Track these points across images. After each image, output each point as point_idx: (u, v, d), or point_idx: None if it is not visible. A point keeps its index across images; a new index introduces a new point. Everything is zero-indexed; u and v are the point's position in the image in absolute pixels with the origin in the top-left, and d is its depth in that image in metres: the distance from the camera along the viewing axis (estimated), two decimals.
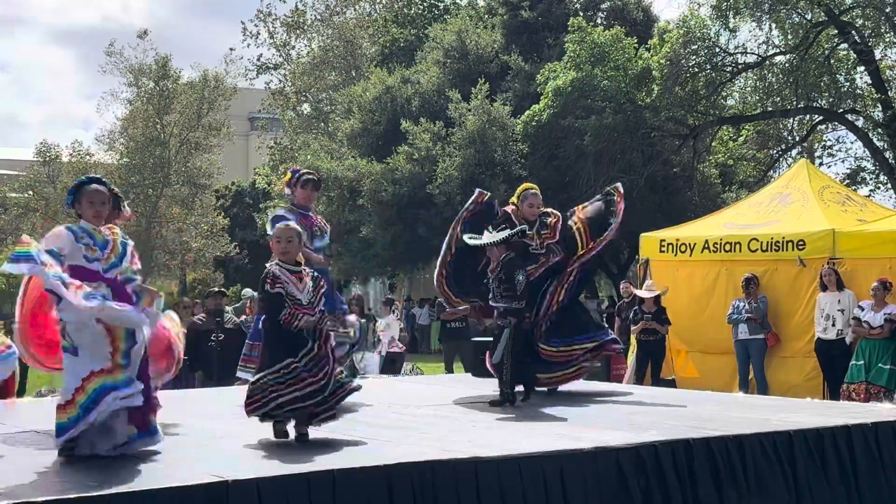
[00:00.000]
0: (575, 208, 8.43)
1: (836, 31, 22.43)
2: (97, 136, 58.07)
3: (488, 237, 7.21)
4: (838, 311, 12.03)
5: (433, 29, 30.85)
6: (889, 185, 25.51)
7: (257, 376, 5.38)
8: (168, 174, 36.22)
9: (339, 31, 41.07)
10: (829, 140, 30.13)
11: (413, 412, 6.85)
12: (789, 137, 28.48)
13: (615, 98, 22.94)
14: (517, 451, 4.98)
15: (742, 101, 25.61)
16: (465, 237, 7.47)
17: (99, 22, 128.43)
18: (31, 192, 36.50)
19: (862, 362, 11.33)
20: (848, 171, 29.35)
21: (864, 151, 26.23)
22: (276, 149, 40.82)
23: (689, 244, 13.91)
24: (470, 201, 8.05)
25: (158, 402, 5.16)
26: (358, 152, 27.75)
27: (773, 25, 23.24)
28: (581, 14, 26.60)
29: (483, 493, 4.67)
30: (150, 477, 4.36)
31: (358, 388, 5.56)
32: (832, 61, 23.00)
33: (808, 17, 22.66)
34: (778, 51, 23.57)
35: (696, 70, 23.08)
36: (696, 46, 22.72)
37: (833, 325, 12.07)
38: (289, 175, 7.42)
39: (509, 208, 8.06)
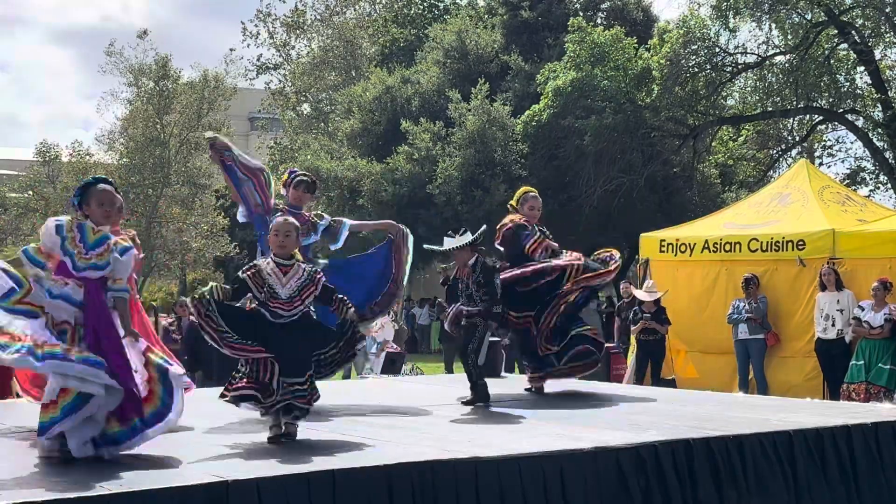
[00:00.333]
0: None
1: (836, 31, 22.44)
2: (97, 136, 58.18)
3: (452, 241, 7.11)
4: (837, 311, 12.04)
5: (433, 29, 30.86)
6: (889, 185, 25.52)
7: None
8: (168, 174, 36.21)
9: (338, 31, 41.08)
10: (829, 140, 30.16)
11: (413, 412, 6.85)
12: (789, 137, 28.48)
13: (615, 98, 22.94)
14: (517, 451, 4.97)
15: (742, 101, 25.62)
16: (425, 246, 7.59)
17: (99, 22, 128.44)
18: (30, 192, 36.49)
19: (862, 362, 11.34)
20: (848, 171, 29.37)
21: (864, 151, 26.24)
22: (276, 149, 40.82)
23: (689, 244, 13.91)
24: None
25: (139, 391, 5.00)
26: (358, 152, 27.75)
27: (773, 25, 23.25)
28: (581, 14, 26.60)
29: (483, 493, 4.67)
30: (150, 477, 4.36)
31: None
32: (832, 61, 23.00)
33: (808, 17, 22.67)
34: (778, 51, 23.58)
35: (696, 70, 23.08)
36: (696, 46, 22.73)
37: (833, 325, 12.07)
38: (286, 176, 7.52)
39: (514, 217, 8.03)
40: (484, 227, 7.47)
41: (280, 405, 5.30)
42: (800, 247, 12.79)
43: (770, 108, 23.53)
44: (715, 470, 5.38)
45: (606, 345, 16.23)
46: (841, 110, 23.67)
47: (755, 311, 12.79)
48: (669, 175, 24.43)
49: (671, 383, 13.28)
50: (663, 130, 23.88)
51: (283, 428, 5.44)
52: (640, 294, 13.72)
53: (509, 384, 8.44)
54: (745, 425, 5.95)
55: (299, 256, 5.71)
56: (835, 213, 13.43)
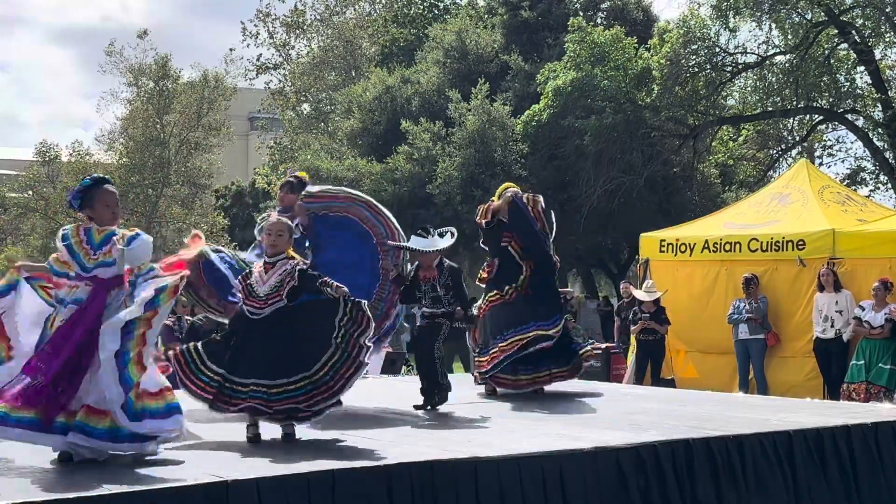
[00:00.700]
0: None
1: (836, 31, 22.41)
2: (97, 136, 58.14)
3: (427, 242, 6.92)
4: (836, 311, 12.04)
5: (433, 29, 30.82)
6: (889, 185, 25.50)
7: None
8: (168, 174, 36.20)
9: (338, 31, 41.06)
10: (829, 140, 30.11)
11: (413, 412, 6.85)
12: (789, 137, 28.45)
13: (615, 98, 22.92)
14: (517, 451, 4.98)
15: (742, 101, 25.58)
16: (390, 243, 7.20)
17: (98, 22, 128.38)
18: (30, 192, 36.49)
19: (862, 362, 11.34)
20: (848, 171, 29.34)
21: (864, 151, 26.22)
22: (276, 149, 40.80)
23: (689, 244, 13.91)
24: None
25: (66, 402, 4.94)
26: (358, 152, 27.72)
27: (773, 25, 23.22)
28: (581, 14, 26.58)
29: (483, 493, 4.67)
30: (149, 477, 4.36)
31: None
32: (832, 61, 22.98)
33: (808, 17, 22.64)
34: (778, 51, 23.55)
35: (696, 70, 23.06)
36: (696, 46, 22.70)
37: (831, 325, 12.08)
38: (282, 180, 7.59)
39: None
40: (453, 228, 7.23)
41: (244, 406, 5.31)
42: (800, 247, 12.78)
43: (770, 108, 23.50)
44: (715, 470, 5.38)
45: (606, 345, 16.34)
46: (841, 110, 23.65)
47: (755, 311, 12.79)
48: (669, 175, 24.40)
49: (671, 383, 13.29)
50: (663, 130, 23.86)
51: (281, 430, 5.45)
52: (640, 294, 13.73)
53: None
54: (745, 425, 5.95)
55: (291, 254, 5.70)
56: (835, 213, 13.43)
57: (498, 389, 7.92)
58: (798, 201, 13.76)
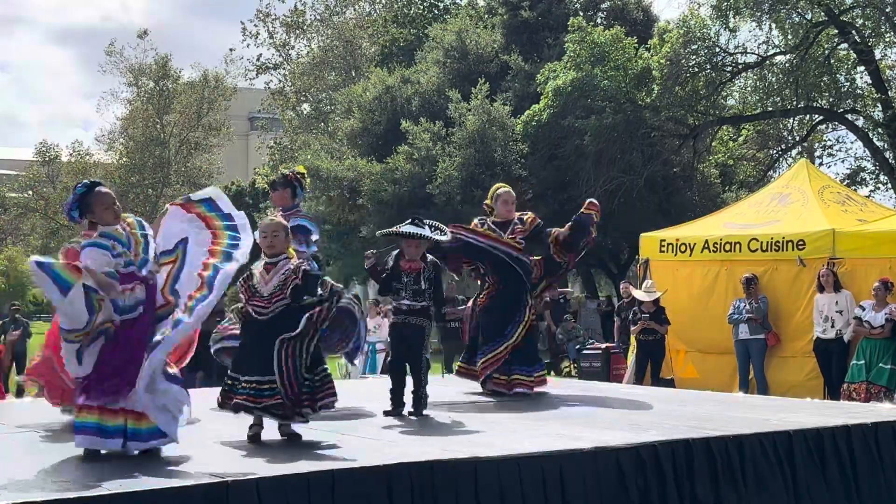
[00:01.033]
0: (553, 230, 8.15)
1: (836, 31, 22.42)
2: (97, 136, 58.20)
3: (424, 231, 6.66)
4: (836, 312, 12.04)
5: (433, 29, 30.84)
6: (889, 185, 25.52)
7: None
8: (168, 174, 36.29)
9: (338, 31, 41.10)
10: (829, 140, 30.14)
11: (412, 412, 6.85)
12: (789, 137, 28.46)
13: (615, 98, 22.93)
14: (517, 451, 4.97)
15: (742, 101, 25.60)
16: (379, 233, 7.02)
17: (98, 21, 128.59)
18: (30, 192, 36.55)
19: (862, 362, 11.34)
20: (848, 171, 29.37)
21: (864, 151, 26.24)
22: (276, 149, 40.84)
23: (689, 244, 13.91)
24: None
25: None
26: (358, 152, 27.74)
27: (773, 25, 23.23)
28: (581, 14, 26.59)
29: (482, 493, 4.67)
30: (149, 477, 4.36)
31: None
32: (832, 61, 22.99)
33: (808, 17, 22.66)
34: (778, 51, 23.57)
35: (696, 70, 23.07)
36: (696, 46, 22.71)
37: (832, 326, 12.08)
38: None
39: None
40: (446, 229, 7.08)
41: (243, 405, 5.33)
42: (800, 247, 12.78)
43: (770, 108, 23.52)
44: (714, 470, 5.38)
45: (606, 345, 16.34)
46: (841, 110, 23.66)
47: (756, 312, 12.79)
48: (669, 175, 24.42)
49: (671, 383, 13.29)
50: (663, 130, 23.87)
51: (279, 430, 5.45)
52: (639, 294, 13.74)
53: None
54: (744, 425, 5.94)
55: (292, 254, 5.69)
56: (835, 213, 13.43)
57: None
58: (798, 201, 13.76)
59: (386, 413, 6.58)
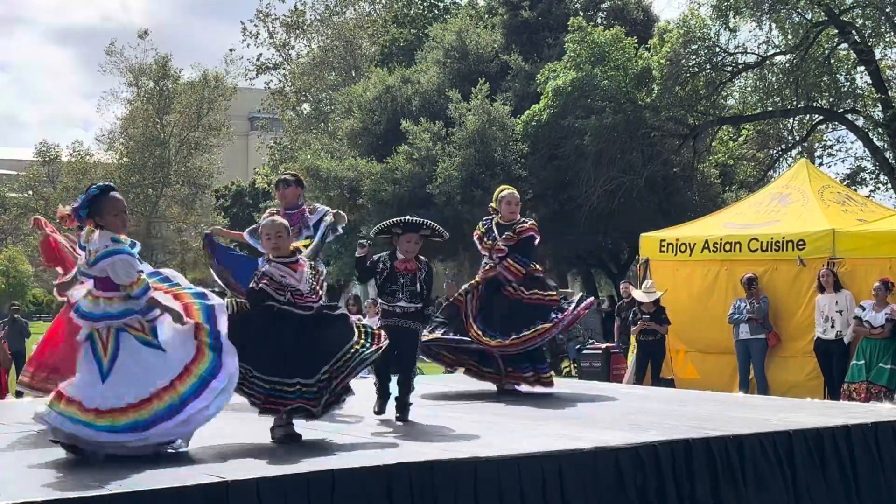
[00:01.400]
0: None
1: (836, 31, 22.41)
2: (97, 136, 58.23)
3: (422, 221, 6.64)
4: (836, 312, 12.05)
5: (433, 29, 30.83)
6: (889, 185, 25.51)
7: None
8: (168, 174, 36.32)
9: (338, 32, 41.09)
10: (829, 140, 30.13)
11: (413, 412, 6.84)
12: (789, 137, 28.46)
13: (615, 98, 22.92)
14: (517, 451, 4.97)
15: (742, 101, 25.59)
16: (374, 230, 6.90)
17: (98, 21, 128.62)
18: (30, 192, 36.57)
19: (863, 362, 11.35)
20: (848, 171, 29.36)
21: (864, 151, 26.23)
22: (276, 149, 40.84)
23: (689, 244, 13.91)
24: None
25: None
26: (358, 152, 27.73)
27: (773, 25, 23.22)
28: (581, 14, 26.58)
29: (482, 493, 4.67)
30: (149, 477, 4.35)
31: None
32: (832, 61, 22.98)
33: (808, 16, 22.65)
34: (778, 51, 23.55)
35: (696, 70, 23.06)
36: (696, 46, 22.70)
37: (832, 326, 12.09)
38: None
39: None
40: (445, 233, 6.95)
41: (291, 407, 5.29)
42: (800, 247, 12.79)
43: (770, 108, 23.51)
44: (714, 470, 5.38)
45: (606, 345, 16.35)
46: (841, 110, 23.65)
47: (756, 312, 12.79)
48: (669, 175, 24.41)
49: (671, 383, 13.29)
50: (663, 130, 23.86)
51: (272, 434, 5.43)
52: (639, 295, 13.74)
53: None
54: (744, 425, 5.94)
55: (303, 249, 5.71)
56: (835, 213, 13.43)
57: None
58: (798, 201, 13.76)
59: (376, 412, 6.47)
